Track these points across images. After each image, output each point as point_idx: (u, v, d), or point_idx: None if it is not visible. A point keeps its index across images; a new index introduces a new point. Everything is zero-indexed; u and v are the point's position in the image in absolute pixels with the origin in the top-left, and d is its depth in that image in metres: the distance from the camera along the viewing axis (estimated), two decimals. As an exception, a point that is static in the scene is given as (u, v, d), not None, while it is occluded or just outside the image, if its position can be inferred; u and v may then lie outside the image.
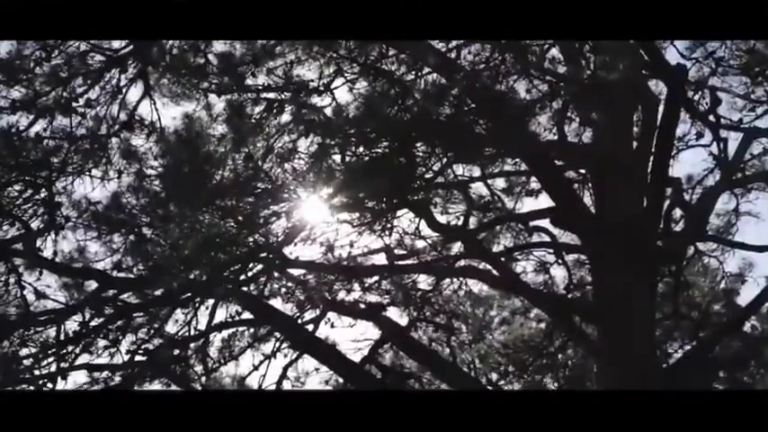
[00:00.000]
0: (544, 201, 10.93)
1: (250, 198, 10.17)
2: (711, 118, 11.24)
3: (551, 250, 12.08)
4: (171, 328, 10.98)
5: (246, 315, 11.00)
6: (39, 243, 10.37)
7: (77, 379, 10.70)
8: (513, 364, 13.71)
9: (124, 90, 10.95)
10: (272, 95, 10.65)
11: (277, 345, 11.68)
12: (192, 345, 11.25)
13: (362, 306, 11.19)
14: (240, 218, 10.13)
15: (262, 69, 10.43)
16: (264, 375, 11.65)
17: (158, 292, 10.34)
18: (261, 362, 11.66)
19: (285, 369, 11.77)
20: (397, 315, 11.80)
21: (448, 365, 11.80)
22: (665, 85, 10.06)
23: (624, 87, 9.61)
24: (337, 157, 10.01)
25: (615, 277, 9.76)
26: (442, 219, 10.79)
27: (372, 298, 11.34)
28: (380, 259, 10.99)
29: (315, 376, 12.03)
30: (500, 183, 11.77)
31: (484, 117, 9.76)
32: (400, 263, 11.28)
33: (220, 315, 10.99)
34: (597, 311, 10.15)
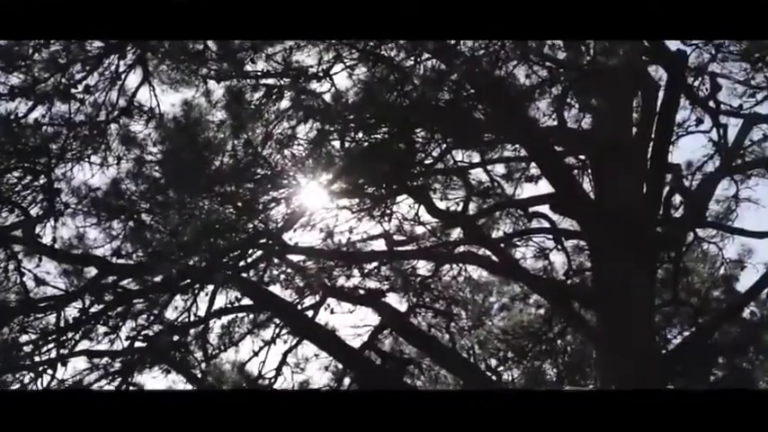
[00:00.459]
0: (544, 187, 10.94)
1: (249, 184, 10.17)
2: (711, 104, 11.22)
3: (551, 236, 12.08)
4: (171, 314, 11.01)
5: (246, 301, 11.01)
6: (38, 229, 10.38)
7: (77, 365, 10.73)
8: (512, 350, 13.72)
9: (123, 76, 10.92)
10: (271, 81, 10.64)
11: (277, 331, 11.71)
12: (191, 331, 11.27)
13: (362, 292, 11.20)
14: (239, 204, 10.13)
15: (261, 55, 10.40)
16: (264, 361, 11.70)
17: (158, 279, 10.35)
18: (261, 348, 11.69)
19: (285, 355, 11.80)
20: (396, 301, 11.83)
21: (447, 351, 11.81)
22: (664, 71, 10.06)
23: (624, 73, 9.60)
24: (336, 143, 10.02)
25: (614, 263, 9.76)
26: (441, 205, 10.81)
27: (372, 284, 11.36)
28: (380, 245, 11.02)
29: (314, 362, 12.07)
30: (499, 169, 11.75)
31: (483, 103, 9.75)
32: (400, 249, 11.29)
33: (220, 301, 11.03)
34: (596, 297, 10.15)
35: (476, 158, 11.10)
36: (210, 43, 10.45)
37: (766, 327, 12.63)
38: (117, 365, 10.91)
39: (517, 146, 11.03)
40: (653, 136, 10.12)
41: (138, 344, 10.72)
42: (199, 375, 11.26)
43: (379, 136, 10.01)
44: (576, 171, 11.42)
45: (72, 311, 10.35)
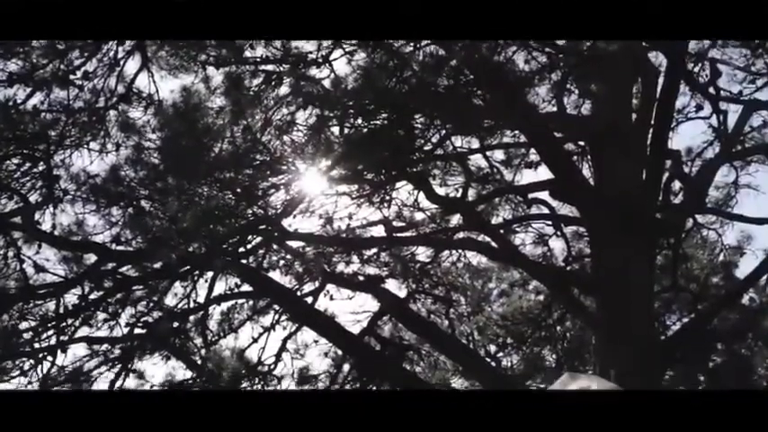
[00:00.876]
0: (543, 173, 10.95)
1: (249, 170, 10.17)
2: (711, 90, 11.23)
3: (550, 222, 12.09)
4: (170, 300, 11.02)
5: (245, 288, 11.04)
6: (37, 216, 10.36)
7: (77, 352, 10.75)
8: (511, 336, 13.74)
9: (122, 62, 10.90)
10: (270, 67, 10.62)
11: (276, 317, 11.72)
12: (191, 317, 11.29)
13: (361, 278, 11.21)
14: (239, 190, 10.13)
15: (260, 42, 10.38)
16: (264, 348, 11.71)
17: (157, 265, 10.35)
18: (260, 334, 11.70)
19: (284, 341, 11.81)
20: (395, 287, 11.84)
21: (446, 337, 11.83)
22: (664, 57, 10.04)
23: (624, 59, 9.58)
24: (336, 129, 10.02)
25: (614, 249, 9.76)
26: (440, 191, 10.83)
27: (371, 270, 11.37)
28: (379, 231, 11.00)
29: (314, 348, 12.09)
30: (499, 155, 11.75)
31: (483, 89, 9.73)
32: (399, 235, 11.29)
33: (219, 288, 11.04)
34: (596, 284, 10.15)
35: (475, 144, 11.11)
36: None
37: (765, 313, 12.64)
38: (117, 352, 10.93)
39: (516, 132, 11.02)
40: (653, 122, 10.11)
41: (137, 330, 10.74)
42: (198, 362, 11.27)
43: (378, 122, 10.01)
44: (575, 157, 11.42)
45: (71, 298, 10.38)
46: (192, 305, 11.04)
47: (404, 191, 10.95)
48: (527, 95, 9.90)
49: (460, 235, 11.46)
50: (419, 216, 11.30)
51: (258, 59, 10.50)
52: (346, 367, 12.25)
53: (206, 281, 10.93)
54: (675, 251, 11.74)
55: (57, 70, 10.36)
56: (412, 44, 9.65)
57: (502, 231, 11.46)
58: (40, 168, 10.43)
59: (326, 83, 10.33)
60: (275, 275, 10.92)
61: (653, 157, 10.03)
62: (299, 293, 11.21)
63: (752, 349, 12.90)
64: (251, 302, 11.69)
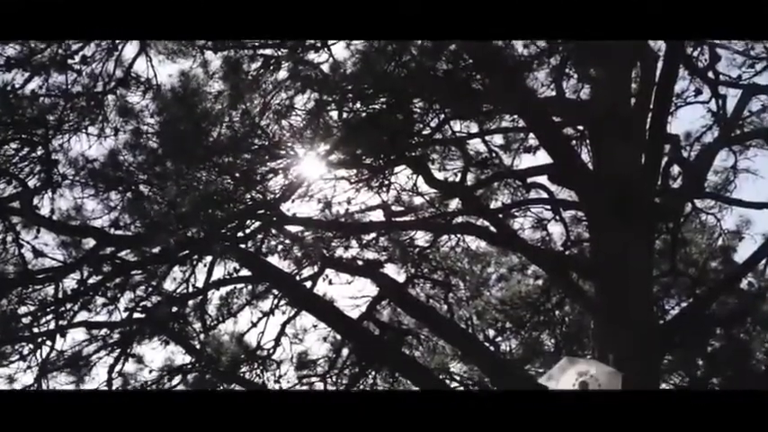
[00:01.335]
0: (542, 157, 10.91)
1: (247, 155, 10.16)
2: (710, 74, 11.23)
3: (549, 207, 12.06)
4: (169, 285, 11.03)
5: (244, 272, 11.03)
6: (36, 201, 10.37)
7: (76, 336, 10.77)
8: (510, 320, 13.74)
9: (120, 47, 10.88)
10: (268, 52, 10.60)
11: (275, 302, 11.73)
12: (190, 302, 11.29)
13: (360, 263, 11.20)
14: (237, 175, 10.13)
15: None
16: (263, 332, 11.73)
17: (156, 250, 10.34)
18: (259, 319, 11.72)
19: (283, 326, 11.84)
20: (394, 272, 11.84)
21: (445, 322, 11.83)
22: (663, 42, 10.02)
23: (623, 43, 9.56)
24: (334, 114, 10.01)
25: (613, 234, 9.75)
26: (439, 175, 10.80)
27: (370, 255, 11.36)
28: (378, 216, 10.99)
29: (313, 333, 12.11)
30: (498, 139, 11.70)
31: (482, 73, 9.72)
32: (398, 219, 11.28)
33: (218, 272, 11.04)
34: (594, 268, 10.15)
35: (474, 129, 11.08)
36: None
37: (764, 297, 12.65)
38: (116, 337, 10.95)
39: (515, 116, 11.00)
40: (652, 106, 10.09)
41: (136, 315, 10.75)
42: (197, 346, 11.29)
43: (377, 106, 9.99)
44: (574, 142, 11.39)
45: (70, 283, 10.39)
46: (190, 290, 11.06)
47: (403, 175, 10.95)
48: (526, 80, 9.89)
49: (459, 219, 11.44)
50: (418, 200, 11.29)
51: (256, 44, 10.49)
52: (345, 352, 12.27)
53: (205, 265, 10.95)
54: (674, 236, 11.73)
55: (55, 55, 10.34)
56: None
57: (501, 216, 11.44)
58: (39, 153, 10.43)
59: (325, 67, 10.35)
60: (274, 260, 10.93)
61: (652, 141, 10.02)
62: (297, 278, 11.21)
63: (750, 333, 12.91)
64: (250, 287, 11.69)
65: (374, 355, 11.69)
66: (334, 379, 12.14)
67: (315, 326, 11.95)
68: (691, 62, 10.85)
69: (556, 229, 12.64)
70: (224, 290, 11.52)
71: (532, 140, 11.40)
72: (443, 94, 9.74)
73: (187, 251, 10.48)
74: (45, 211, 10.34)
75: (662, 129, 10.11)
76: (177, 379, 11.45)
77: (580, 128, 11.32)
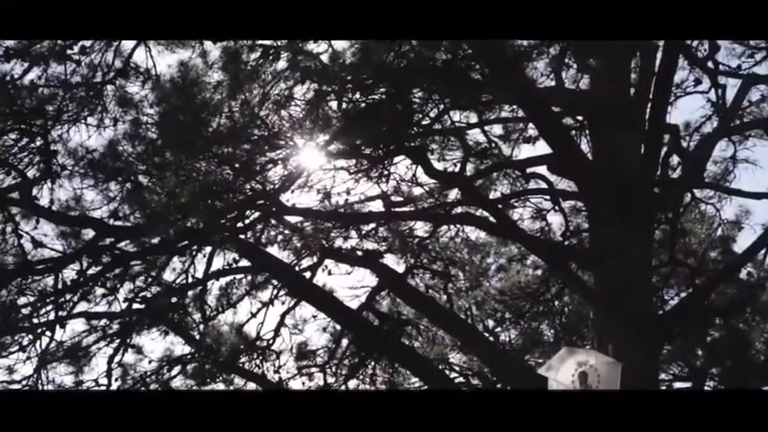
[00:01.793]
0: (541, 147, 10.90)
1: (246, 145, 10.15)
2: (710, 64, 11.21)
3: (548, 197, 12.06)
4: (168, 275, 11.05)
5: (244, 263, 11.04)
6: (35, 191, 10.37)
7: (76, 327, 10.78)
8: (509, 310, 13.76)
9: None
10: (268, 42, 10.57)
11: (275, 292, 11.73)
12: (189, 292, 11.30)
13: (360, 253, 11.21)
14: (237, 165, 10.12)
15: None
16: (262, 323, 11.73)
17: (155, 240, 10.35)
18: (259, 309, 11.72)
19: (283, 316, 11.84)
20: (394, 262, 11.85)
21: (445, 312, 11.85)
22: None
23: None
24: (334, 104, 10.00)
25: (612, 224, 9.76)
26: (438, 165, 10.78)
27: (369, 245, 11.36)
28: (377, 206, 10.98)
29: (312, 323, 12.11)
30: (497, 129, 11.70)
31: (481, 63, 9.71)
32: (397, 210, 11.27)
33: (218, 263, 11.05)
34: (594, 258, 10.16)
35: (473, 119, 11.07)
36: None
37: (763, 287, 12.65)
38: (115, 327, 10.96)
39: (515, 106, 10.99)
40: (651, 96, 10.09)
41: (136, 305, 10.76)
42: (197, 337, 11.30)
43: (376, 96, 9.99)
44: (573, 132, 11.39)
45: (70, 273, 10.40)
46: (190, 280, 11.07)
47: (402, 165, 10.93)
48: (525, 70, 9.88)
49: (459, 210, 11.44)
50: (417, 191, 11.28)
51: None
52: (345, 342, 12.28)
53: (204, 256, 10.96)
54: (673, 226, 11.71)
55: (54, 45, 10.32)
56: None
57: (500, 206, 11.43)
58: (38, 143, 10.42)
59: (324, 57, 10.32)
60: (273, 250, 10.95)
61: (651, 131, 10.03)
62: (297, 268, 11.21)
63: (749, 323, 12.92)
64: (249, 277, 11.70)
65: (374, 346, 11.71)
66: (333, 369, 12.14)
67: (314, 316, 11.96)
68: (690, 52, 10.84)
69: (555, 220, 12.67)
70: (223, 280, 11.56)
71: (532, 131, 11.40)
72: (443, 84, 9.73)
73: (186, 241, 10.49)
74: (44, 202, 10.35)
75: (661, 118, 10.11)
76: (177, 369, 11.48)
77: (580, 118, 11.32)
